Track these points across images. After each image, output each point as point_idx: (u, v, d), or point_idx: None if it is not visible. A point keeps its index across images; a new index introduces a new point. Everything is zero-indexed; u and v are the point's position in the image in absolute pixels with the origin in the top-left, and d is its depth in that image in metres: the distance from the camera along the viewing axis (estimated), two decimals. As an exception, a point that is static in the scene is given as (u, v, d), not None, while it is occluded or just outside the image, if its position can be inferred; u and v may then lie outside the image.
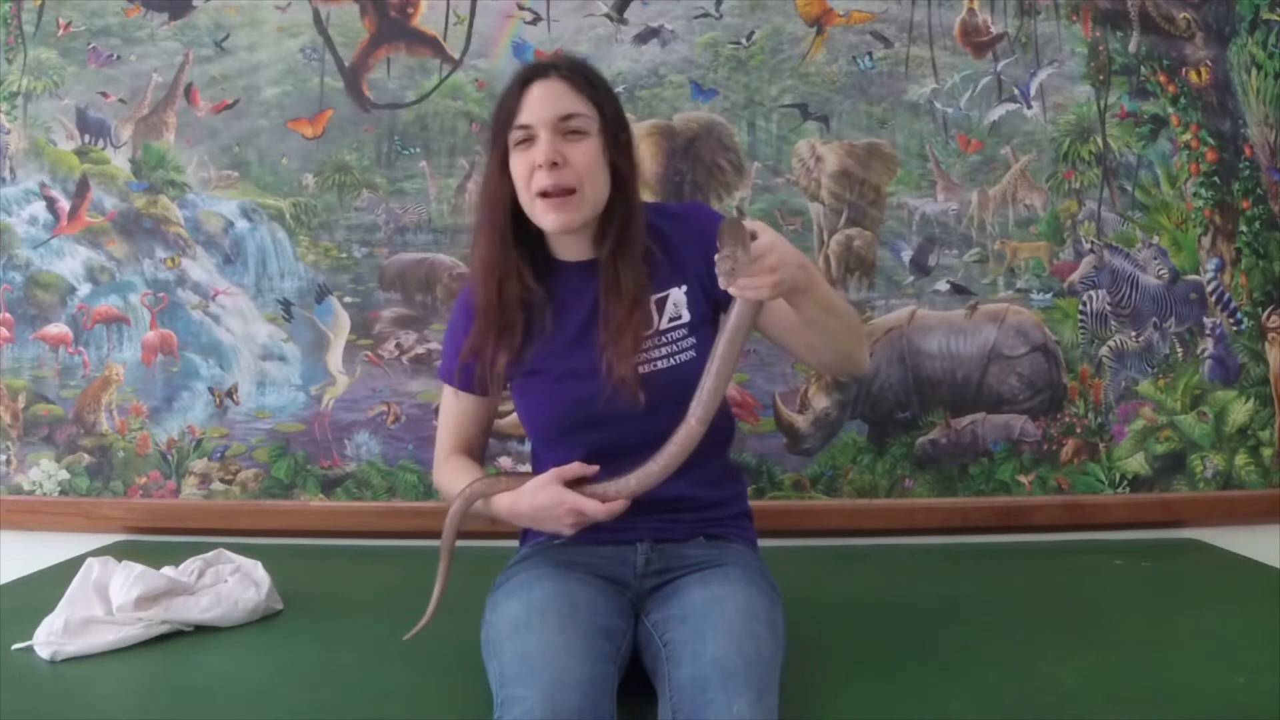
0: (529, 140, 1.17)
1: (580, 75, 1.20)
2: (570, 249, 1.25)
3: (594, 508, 1.12)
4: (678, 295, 1.23)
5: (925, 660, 1.22)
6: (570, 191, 1.16)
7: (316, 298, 1.91)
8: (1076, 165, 1.91)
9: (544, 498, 1.14)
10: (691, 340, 1.22)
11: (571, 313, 1.23)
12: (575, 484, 1.15)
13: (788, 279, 1.04)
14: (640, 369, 1.18)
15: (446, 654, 1.23)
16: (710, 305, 1.24)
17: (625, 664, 1.09)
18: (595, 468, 1.15)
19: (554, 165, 1.15)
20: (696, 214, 1.30)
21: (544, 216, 1.18)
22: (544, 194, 1.16)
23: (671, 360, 1.21)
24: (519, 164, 1.18)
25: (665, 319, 1.22)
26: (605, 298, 1.20)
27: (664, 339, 1.21)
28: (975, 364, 1.90)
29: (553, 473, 1.15)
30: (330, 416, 1.90)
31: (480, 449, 1.36)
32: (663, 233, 1.24)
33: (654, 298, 1.22)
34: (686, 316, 1.23)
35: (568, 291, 1.24)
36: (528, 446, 1.79)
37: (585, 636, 1.05)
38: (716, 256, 1.00)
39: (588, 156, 1.17)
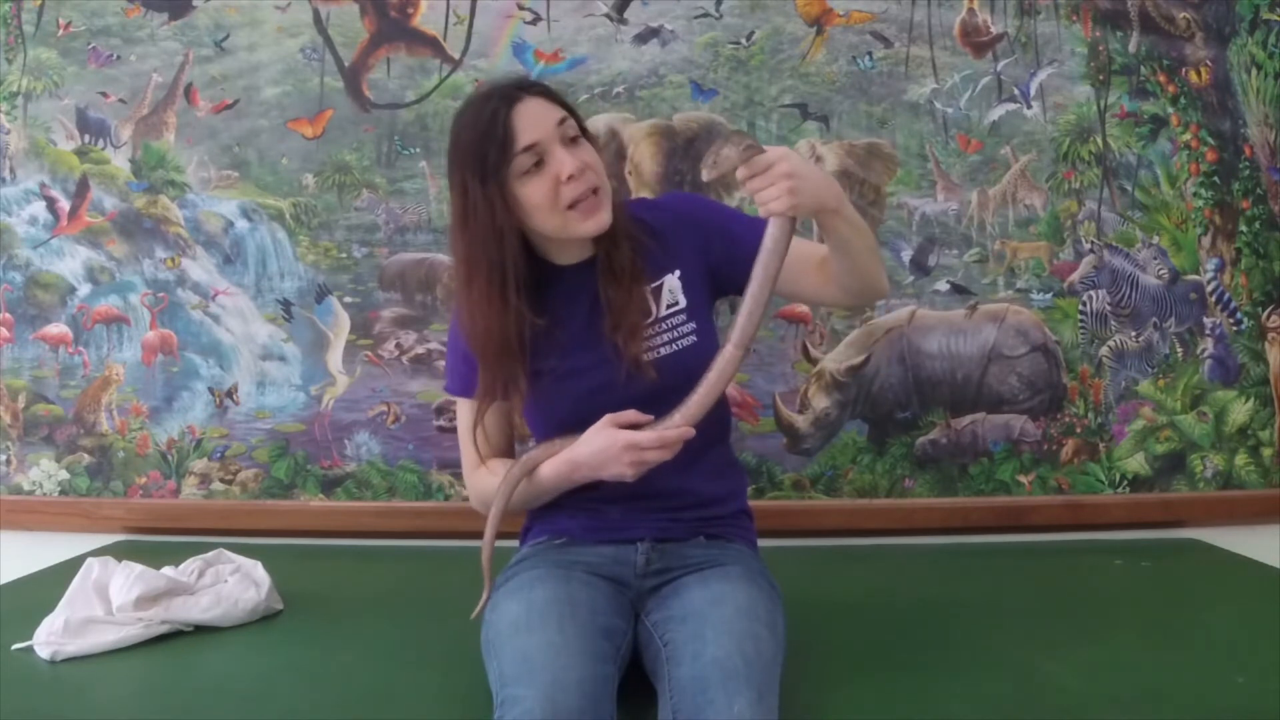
0: (538, 163, 1.14)
1: (544, 88, 1.19)
2: (573, 252, 1.24)
3: (648, 438, 1.12)
4: (672, 281, 1.24)
5: (925, 660, 1.22)
6: (598, 189, 1.17)
7: (316, 298, 1.91)
8: (1076, 165, 1.91)
9: (601, 440, 1.14)
10: (691, 325, 1.22)
11: (573, 314, 1.23)
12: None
13: (808, 189, 1.04)
14: (644, 356, 1.19)
15: (446, 654, 1.23)
16: (707, 289, 1.25)
17: (625, 664, 1.09)
18: (649, 417, 1.15)
19: (583, 173, 1.15)
20: (678, 201, 1.34)
21: (582, 224, 1.16)
22: (573, 204, 1.15)
23: (674, 346, 1.21)
24: (536, 186, 1.14)
25: (663, 306, 1.23)
26: (604, 283, 1.21)
27: (664, 325, 1.22)
28: (975, 364, 1.90)
29: (607, 418, 1.15)
30: (330, 416, 1.90)
31: (510, 453, 1.33)
32: (649, 224, 1.25)
33: (649, 287, 1.23)
34: (683, 301, 1.23)
35: (564, 295, 1.24)
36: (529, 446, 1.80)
37: (585, 636, 1.05)
38: (706, 155, 1.00)
39: (595, 158, 1.19)
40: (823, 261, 1.21)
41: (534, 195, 1.15)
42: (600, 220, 1.17)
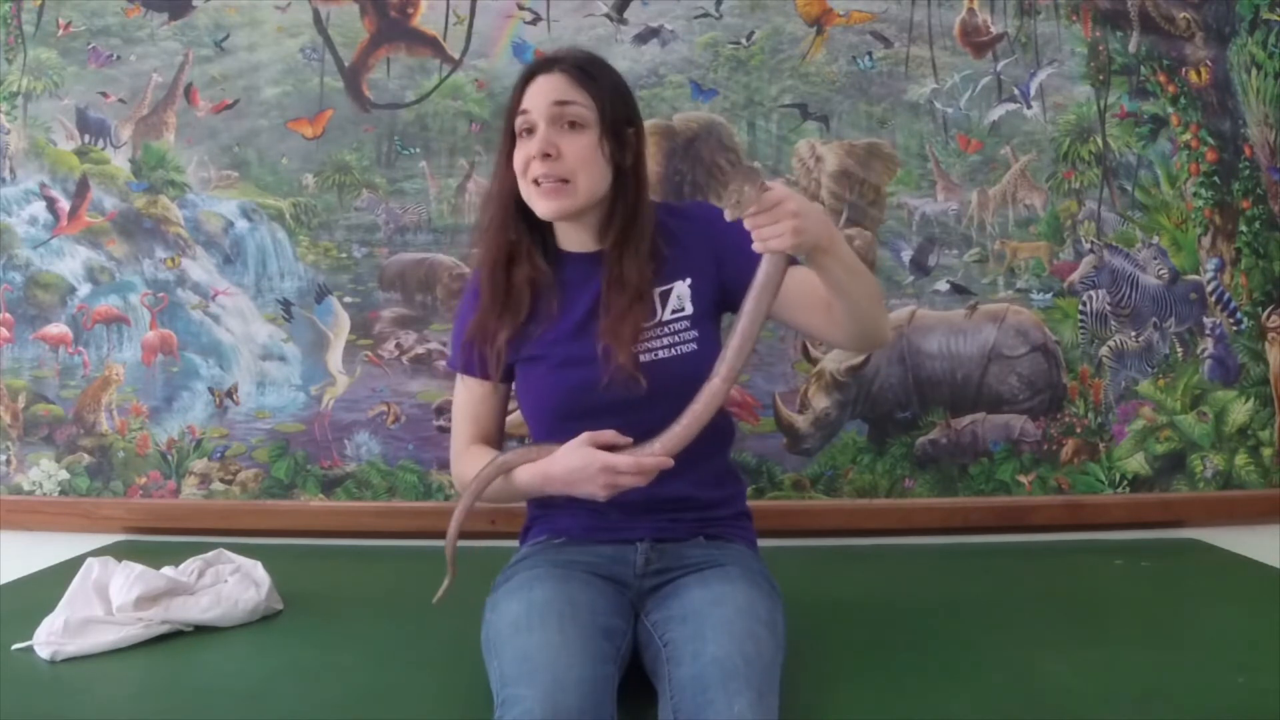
0: (530, 131, 1.20)
1: (581, 70, 1.21)
2: (573, 239, 1.27)
3: (626, 463, 1.12)
4: (681, 288, 1.24)
5: (925, 660, 1.22)
6: (565, 182, 1.19)
7: (316, 298, 1.91)
8: (1076, 165, 1.91)
9: (577, 459, 1.14)
10: (694, 333, 1.23)
11: (575, 302, 1.25)
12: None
13: (810, 229, 1.04)
14: (641, 358, 1.19)
15: (446, 654, 1.23)
16: (715, 301, 1.26)
17: (625, 664, 1.09)
18: (629, 439, 1.15)
19: (546, 156, 1.18)
20: (702, 211, 1.34)
21: (537, 203, 1.21)
22: (537, 182, 1.20)
23: (673, 351, 1.22)
24: (519, 154, 1.21)
25: (668, 310, 1.24)
26: (608, 288, 1.22)
27: (666, 330, 1.23)
28: (975, 364, 1.90)
29: (585, 436, 1.15)
30: (330, 416, 1.90)
31: (499, 440, 1.35)
32: (669, 228, 1.27)
33: (658, 290, 1.24)
34: (689, 309, 1.24)
35: (572, 281, 1.26)
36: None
37: (585, 636, 1.05)
38: (726, 193, 1.02)
39: (582, 149, 1.19)
40: (829, 301, 1.21)
41: (515, 159, 1.22)
42: (551, 208, 1.20)
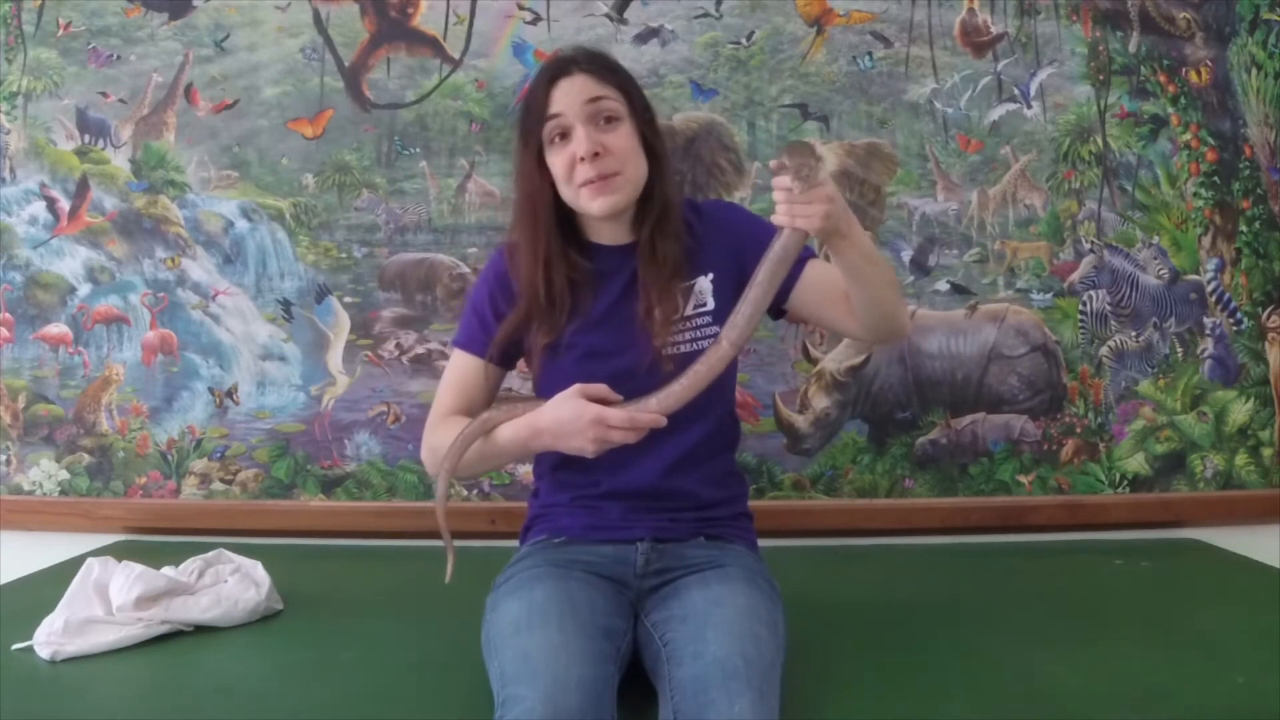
0: (565, 134, 1.19)
1: (601, 65, 1.22)
2: (607, 233, 1.27)
3: (619, 416, 1.11)
4: (704, 284, 1.25)
5: (925, 660, 1.22)
6: (615, 175, 1.19)
7: (316, 298, 1.91)
8: (1076, 165, 1.91)
9: (567, 410, 1.13)
10: (715, 328, 1.22)
11: (602, 293, 1.25)
12: None
13: (836, 214, 1.06)
14: (665, 350, 1.19)
15: (446, 654, 1.23)
16: (736, 298, 1.25)
17: (625, 664, 1.09)
18: (619, 397, 1.14)
19: (595, 155, 1.17)
20: (722, 209, 1.36)
21: (590, 203, 1.20)
22: (587, 183, 1.18)
23: (694, 345, 1.22)
24: (558, 159, 1.20)
25: (691, 305, 1.24)
26: (645, 269, 1.22)
27: (688, 324, 1.23)
28: (975, 364, 1.90)
29: (576, 387, 1.14)
30: (330, 416, 1.90)
31: None
32: (691, 225, 1.27)
33: (681, 285, 1.24)
34: (711, 304, 1.24)
35: (600, 274, 1.25)
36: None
37: (586, 636, 1.05)
38: (788, 164, 1.01)
39: (624, 140, 1.20)
40: (848, 292, 1.21)
41: (555, 165, 1.20)
42: (606, 203, 1.19)
